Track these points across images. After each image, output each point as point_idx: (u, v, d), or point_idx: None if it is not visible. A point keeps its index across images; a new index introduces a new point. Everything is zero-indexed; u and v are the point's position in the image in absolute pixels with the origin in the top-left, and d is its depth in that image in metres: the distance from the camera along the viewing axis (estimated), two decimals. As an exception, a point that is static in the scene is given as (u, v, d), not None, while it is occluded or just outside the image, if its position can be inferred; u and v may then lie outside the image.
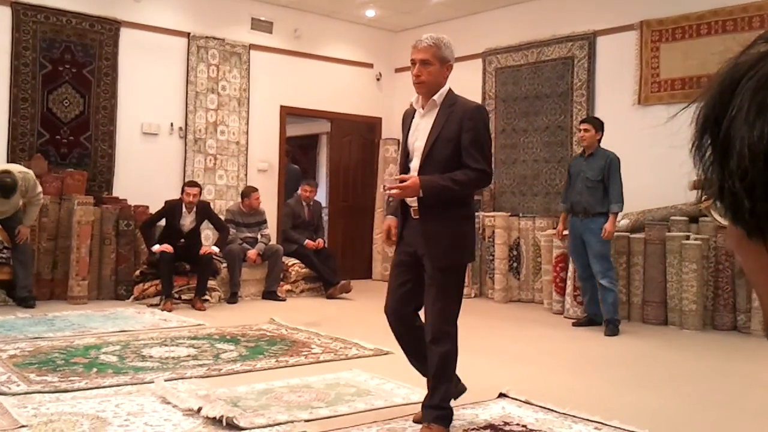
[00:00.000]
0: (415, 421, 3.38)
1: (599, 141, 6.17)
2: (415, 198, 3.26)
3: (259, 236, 7.90)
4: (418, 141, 3.33)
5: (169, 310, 6.61)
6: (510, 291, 7.87)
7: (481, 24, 8.91)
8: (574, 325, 6.32)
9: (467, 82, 8.64)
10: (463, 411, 3.51)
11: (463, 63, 8.96)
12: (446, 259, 3.24)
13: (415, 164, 3.31)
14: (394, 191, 3.21)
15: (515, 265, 7.88)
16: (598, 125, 6.22)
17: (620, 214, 6.81)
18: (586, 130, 6.15)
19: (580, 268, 6.30)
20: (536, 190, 8.24)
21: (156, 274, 6.98)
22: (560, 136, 7.98)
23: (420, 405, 3.39)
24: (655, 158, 7.07)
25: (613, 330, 5.93)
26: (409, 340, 3.44)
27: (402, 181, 3.20)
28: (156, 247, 6.84)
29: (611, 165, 6.00)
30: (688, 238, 6.29)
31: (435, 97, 3.31)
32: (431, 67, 3.27)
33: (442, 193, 3.20)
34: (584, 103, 7.76)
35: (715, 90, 0.53)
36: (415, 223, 3.32)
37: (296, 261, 8.05)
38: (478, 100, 8.69)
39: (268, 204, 8.53)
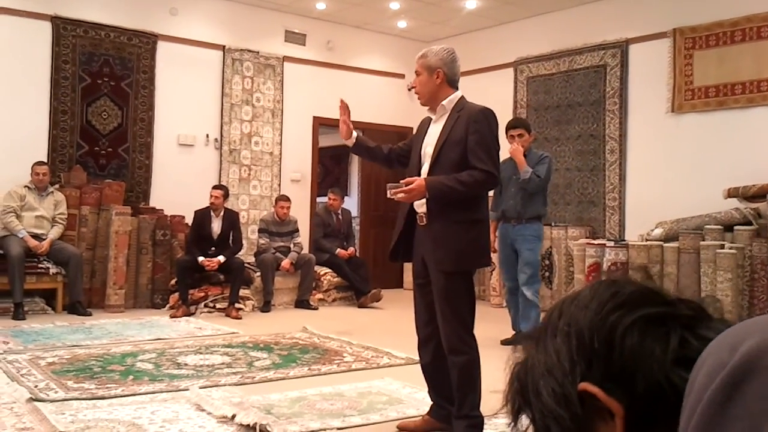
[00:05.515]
0: (399, 428, 3.44)
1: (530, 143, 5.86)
2: (424, 203, 3.26)
3: (291, 245, 7.97)
4: (429, 146, 3.35)
5: (173, 317, 6.73)
6: (542, 300, 7.79)
7: (513, 33, 8.91)
8: (503, 343, 5.58)
9: (499, 91, 8.65)
10: (495, 420, 3.51)
11: (495, 72, 8.99)
12: (454, 264, 3.21)
13: (425, 168, 3.32)
14: (400, 195, 3.19)
15: (547, 274, 7.84)
16: (530, 127, 5.94)
17: (654, 223, 6.77)
18: (520, 135, 5.72)
19: (511, 281, 5.83)
20: (568, 198, 8.20)
21: (193, 284, 7.14)
22: (593, 145, 7.94)
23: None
24: (689, 167, 7.01)
25: None
26: (433, 371, 3.43)
27: (407, 184, 3.18)
28: (201, 259, 7.04)
29: (541, 160, 5.70)
30: (722, 247, 6.20)
31: (444, 103, 3.33)
32: (420, 77, 3.35)
33: (449, 194, 3.17)
34: (617, 112, 7.71)
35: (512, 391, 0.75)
36: (423, 229, 3.33)
37: (328, 270, 8.10)
38: (510, 109, 8.69)
39: (301, 213, 8.60)
